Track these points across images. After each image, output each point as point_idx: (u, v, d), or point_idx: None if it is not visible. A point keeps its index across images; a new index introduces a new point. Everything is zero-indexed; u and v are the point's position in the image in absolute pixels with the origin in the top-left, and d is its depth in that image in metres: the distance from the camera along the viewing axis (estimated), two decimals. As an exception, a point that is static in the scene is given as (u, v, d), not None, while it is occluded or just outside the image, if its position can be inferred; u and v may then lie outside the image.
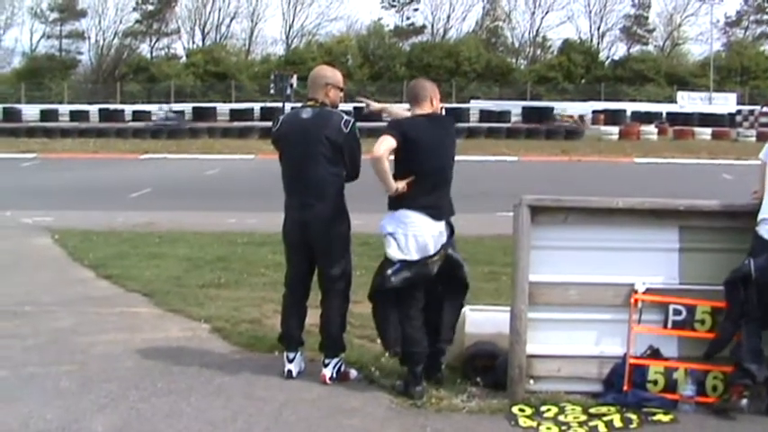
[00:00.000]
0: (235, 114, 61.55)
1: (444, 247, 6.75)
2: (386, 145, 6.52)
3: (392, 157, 6.66)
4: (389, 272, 6.67)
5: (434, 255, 6.68)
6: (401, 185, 6.59)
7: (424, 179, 6.64)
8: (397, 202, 6.69)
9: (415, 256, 6.63)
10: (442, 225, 6.76)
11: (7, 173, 29.84)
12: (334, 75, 7.24)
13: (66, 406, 6.56)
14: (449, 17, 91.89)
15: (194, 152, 38.51)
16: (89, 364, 7.62)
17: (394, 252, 6.66)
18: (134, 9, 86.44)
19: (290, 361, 7.23)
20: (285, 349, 7.30)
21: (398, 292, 6.75)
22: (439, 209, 6.73)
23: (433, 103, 6.86)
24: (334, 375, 7.08)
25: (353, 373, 7.14)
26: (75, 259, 12.66)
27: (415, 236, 6.61)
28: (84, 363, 7.64)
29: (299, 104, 7.28)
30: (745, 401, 6.42)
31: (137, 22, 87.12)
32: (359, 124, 7.06)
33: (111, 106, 64.58)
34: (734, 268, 6.48)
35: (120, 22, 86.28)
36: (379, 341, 7.57)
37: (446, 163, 6.79)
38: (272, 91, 53.51)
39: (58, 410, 6.46)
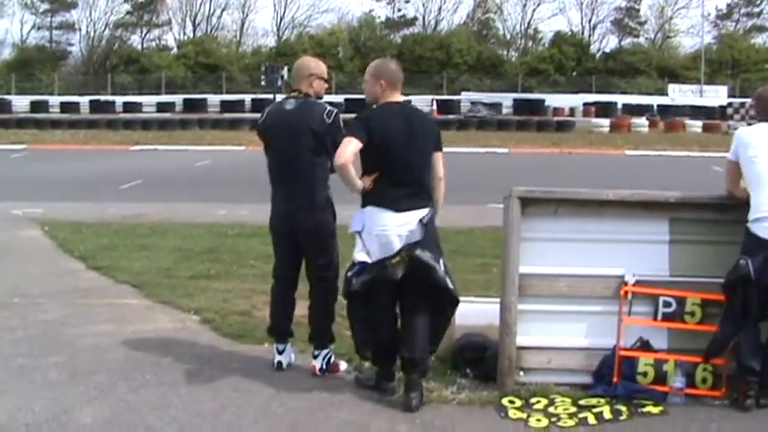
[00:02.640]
0: (225, 106, 61.44)
1: (409, 249, 6.36)
2: (351, 149, 6.30)
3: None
4: (350, 274, 6.55)
5: (393, 256, 6.36)
6: (367, 183, 6.43)
7: (392, 175, 6.42)
8: (365, 199, 6.53)
9: (377, 257, 6.40)
10: (410, 220, 6.40)
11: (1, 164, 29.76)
12: (318, 66, 7.22)
13: (55, 398, 6.55)
14: (440, 9, 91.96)
15: (185, 143, 38.45)
16: (78, 355, 7.61)
17: (356, 253, 6.53)
18: (125, 0, 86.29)
19: (280, 353, 7.23)
20: (274, 341, 7.30)
21: (366, 294, 6.55)
22: (406, 202, 6.42)
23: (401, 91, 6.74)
24: (324, 367, 7.08)
25: (343, 364, 7.13)
26: (64, 251, 12.62)
27: (379, 235, 6.40)
28: (73, 354, 7.63)
29: (287, 95, 7.27)
30: (750, 400, 6.42)
31: (127, 13, 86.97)
32: (343, 115, 7.04)
33: (102, 98, 64.42)
34: (730, 269, 6.47)
35: (111, 13, 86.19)
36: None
37: (418, 157, 6.48)
38: (262, 83, 53.50)
39: (46, 402, 6.45)
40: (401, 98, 6.71)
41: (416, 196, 6.46)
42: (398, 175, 6.43)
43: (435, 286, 6.43)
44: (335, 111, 6.96)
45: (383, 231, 6.39)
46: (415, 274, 6.37)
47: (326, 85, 7.22)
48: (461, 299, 6.66)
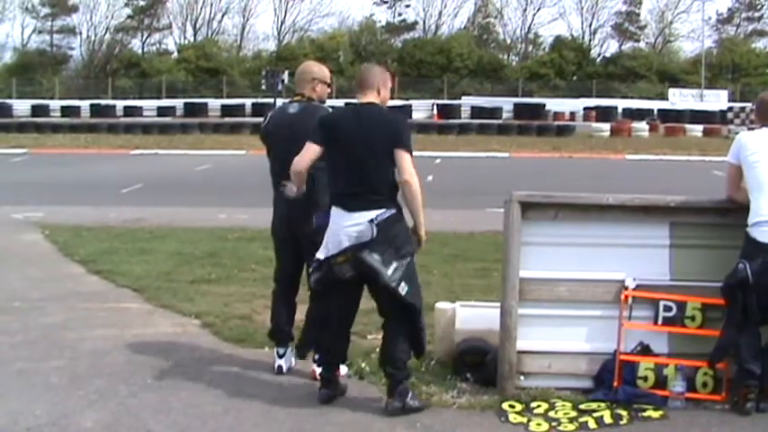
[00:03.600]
0: (226, 110, 61.55)
1: (355, 249, 6.22)
2: (309, 155, 6.44)
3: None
4: (310, 271, 6.61)
5: (339, 254, 6.28)
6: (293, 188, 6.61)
7: (342, 174, 6.39)
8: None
9: (328, 254, 6.36)
10: (359, 221, 6.25)
11: (-2, 168, 29.76)
12: (321, 70, 7.24)
13: (56, 402, 6.56)
14: (440, 13, 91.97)
15: (185, 148, 38.51)
16: (78, 359, 7.61)
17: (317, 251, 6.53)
18: (125, 4, 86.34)
19: (281, 356, 7.24)
20: (275, 345, 7.31)
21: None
22: (354, 200, 6.29)
23: (380, 93, 6.57)
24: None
25: (343, 369, 7.07)
26: (65, 255, 12.62)
27: (331, 232, 6.38)
28: (73, 358, 7.63)
29: (290, 100, 7.28)
30: (750, 404, 6.42)
31: (128, 17, 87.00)
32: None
33: (103, 102, 64.48)
34: (729, 273, 6.47)
35: (112, 17, 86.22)
36: (369, 336, 7.60)
37: (368, 157, 6.32)
38: (263, 87, 53.50)
39: (46, 406, 6.44)
40: (371, 99, 6.54)
41: (365, 196, 6.31)
42: (348, 174, 6.37)
43: (386, 291, 6.27)
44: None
45: (334, 229, 6.36)
46: (363, 276, 6.32)
47: (329, 90, 7.24)
48: (462, 303, 6.65)
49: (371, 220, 6.22)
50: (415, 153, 6.48)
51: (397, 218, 6.34)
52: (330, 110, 6.98)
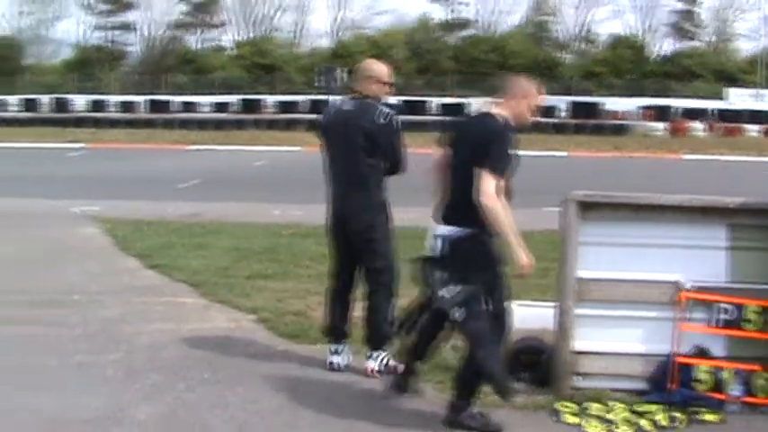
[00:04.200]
0: (281, 106, 61.69)
1: (424, 260, 6.20)
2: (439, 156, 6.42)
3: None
4: None
5: (417, 259, 6.24)
6: None
7: (447, 181, 6.31)
8: None
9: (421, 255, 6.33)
10: (438, 233, 6.16)
11: (56, 162, 30.09)
12: (379, 68, 7.22)
13: (112, 394, 6.65)
14: (496, 11, 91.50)
15: (241, 144, 38.69)
16: (135, 353, 7.70)
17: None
18: (182, 1, 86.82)
19: (335, 353, 7.26)
20: (330, 341, 7.33)
21: None
22: (443, 210, 6.23)
23: (513, 101, 6.41)
24: (380, 368, 7.07)
25: (401, 367, 6.98)
26: (122, 249, 12.75)
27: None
28: (130, 352, 7.72)
29: (347, 97, 7.28)
30: None
31: (184, 14, 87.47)
32: (403, 117, 7.04)
33: (159, 97, 64.90)
34: None
35: (169, 13, 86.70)
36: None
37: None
38: (316, 83, 53.59)
39: (103, 399, 6.54)
40: (502, 108, 6.37)
41: (449, 210, 6.22)
42: (449, 183, 6.31)
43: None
44: (391, 113, 6.95)
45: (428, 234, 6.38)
46: None
47: (389, 89, 7.20)
48: (519, 302, 6.61)
49: (444, 237, 6.11)
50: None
51: (475, 239, 6.02)
52: (384, 107, 6.98)
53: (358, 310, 7.37)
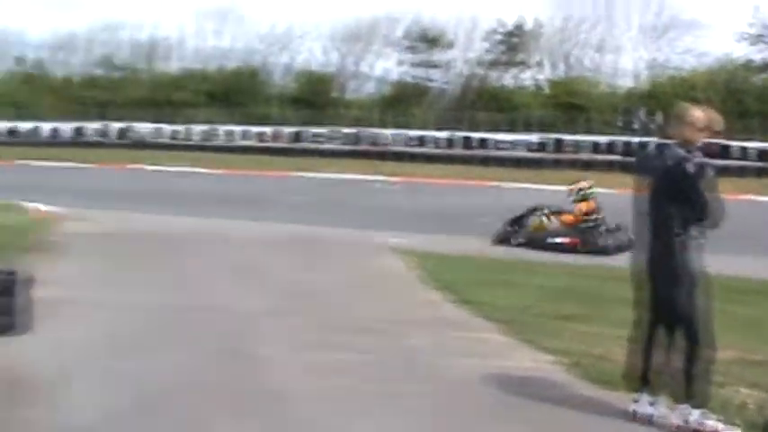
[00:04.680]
0: (597, 147, 61.03)
1: None
2: None
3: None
4: None
5: None
6: None
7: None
8: None
9: None
10: None
11: (368, 195, 31.07)
12: (696, 114, 6.98)
13: (417, 428, 6.71)
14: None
15: (557, 183, 38.62)
16: (440, 386, 7.73)
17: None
18: (498, 43, 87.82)
19: (636, 401, 7.05)
20: (633, 389, 7.13)
21: None
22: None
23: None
24: (685, 424, 6.77)
25: (711, 424, 6.65)
26: (426, 281, 12.99)
27: None
28: (434, 384, 7.77)
29: (658, 140, 7.13)
30: None
31: (498, 52, 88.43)
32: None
33: (472, 134, 65.94)
34: None
35: (484, 52, 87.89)
36: (742, 390, 7.27)
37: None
38: (618, 124, 52.73)
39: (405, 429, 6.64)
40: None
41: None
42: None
43: None
44: (700, 161, 6.70)
45: None
46: None
47: (702, 134, 6.95)
48: None
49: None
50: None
51: None
52: (691, 155, 6.72)
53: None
